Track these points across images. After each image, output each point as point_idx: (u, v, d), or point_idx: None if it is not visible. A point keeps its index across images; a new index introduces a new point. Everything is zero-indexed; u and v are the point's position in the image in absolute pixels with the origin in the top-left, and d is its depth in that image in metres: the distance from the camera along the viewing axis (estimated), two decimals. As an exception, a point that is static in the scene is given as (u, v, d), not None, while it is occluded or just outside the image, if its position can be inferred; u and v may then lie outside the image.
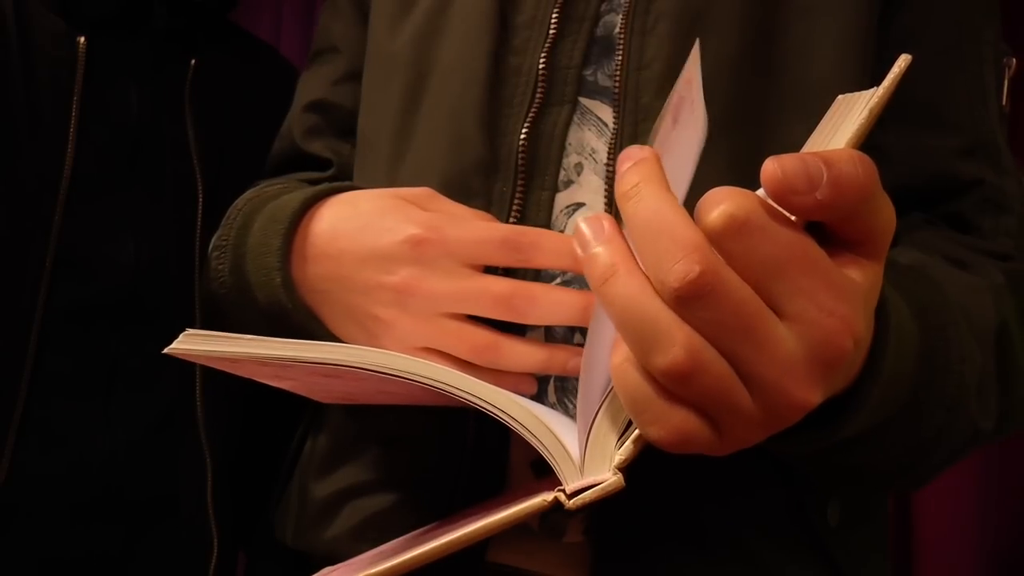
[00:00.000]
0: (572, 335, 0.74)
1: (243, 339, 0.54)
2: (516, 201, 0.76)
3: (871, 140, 0.78)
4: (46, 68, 1.00)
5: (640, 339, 0.43)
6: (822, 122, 0.52)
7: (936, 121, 0.79)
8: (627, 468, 0.48)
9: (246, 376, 0.63)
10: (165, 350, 0.55)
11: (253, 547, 1.08)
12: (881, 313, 0.54)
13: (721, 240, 0.42)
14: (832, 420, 0.56)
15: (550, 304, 0.63)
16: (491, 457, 0.75)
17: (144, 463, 1.03)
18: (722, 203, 0.42)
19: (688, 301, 0.41)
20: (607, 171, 0.76)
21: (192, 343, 0.54)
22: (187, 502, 1.07)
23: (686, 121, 0.52)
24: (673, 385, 0.43)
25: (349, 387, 0.65)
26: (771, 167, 0.42)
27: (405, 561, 0.49)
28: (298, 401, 0.77)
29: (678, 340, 0.42)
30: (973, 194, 0.78)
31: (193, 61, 1.13)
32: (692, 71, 0.52)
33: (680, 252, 0.41)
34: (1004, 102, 0.81)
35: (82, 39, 1.03)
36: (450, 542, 0.48)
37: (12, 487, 0.93)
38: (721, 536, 0.73)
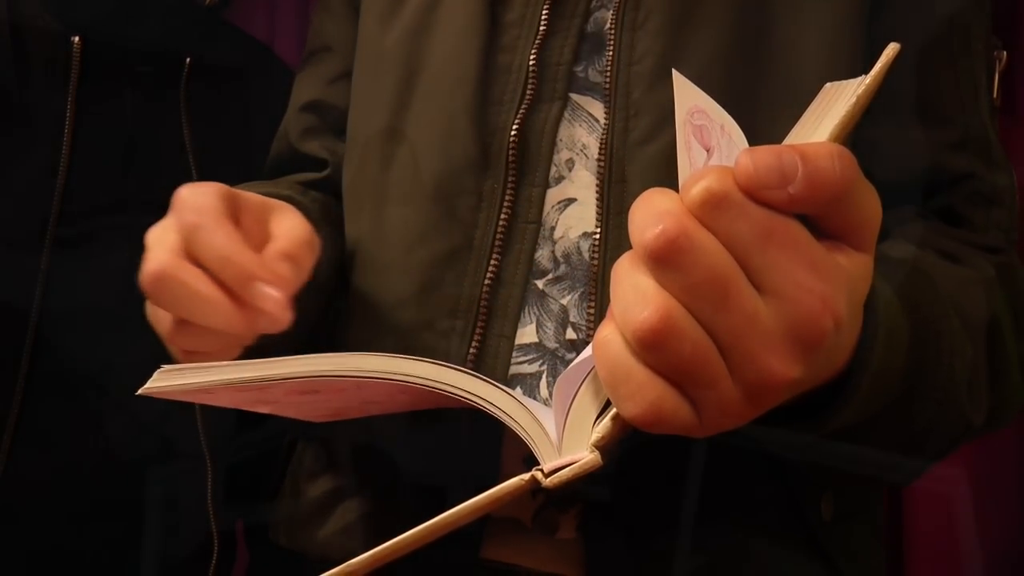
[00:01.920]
0: (564, 330, 0.75)
1: (215, 367, 0.54)
2: (507, 197, 0.76)
3: (861, 134, 0.78)
4: (41, 68, 1.00)
5: (621, 306, 0.44)
6: (808, 110, 0.52)
7: (927, 115, 0.79)
8: (606, 447, 0.48)
9: (228, 406, 0.62)
10: (139, 391, 0.55)
11: (253, 547, 1.08)
12: (871, 306, 0.54)
13: (700, 213, 0.42)
14: (821, 413, 0.56)
15: (189, 297, 0.57)
16: (484, 457, 0.75)
17: (140, 465, 1.03)
18: (703, 179, 0.42)
19: (658, 261, 0.42)
20: (598, 167, 0.76)
21: (166, 379, 0.54)
22: (187, 503, 1.07)
23: (726, 145, 0.52)
24: (647, 350, 0.43)
25: (333, 402, 0.64)
26: (743, 160, 0.42)
27: (384, 549, 0.49)
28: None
29: (652, 303, 0.42)
30: (964, 188, 0.78)
31: (188, 60, 1.14)
32: (696, 100, 0.52)
33: (654, 218, 0.42)
34: (994, 95, 0.81)
35: (76, 39, 1.03)
36: (427, 527, 0.48)
37: (8, 489, 0.94)
38: (715, 531, 0.74)
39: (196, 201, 0.64)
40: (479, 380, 0.55)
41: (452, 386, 0.54)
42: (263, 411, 0.65)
